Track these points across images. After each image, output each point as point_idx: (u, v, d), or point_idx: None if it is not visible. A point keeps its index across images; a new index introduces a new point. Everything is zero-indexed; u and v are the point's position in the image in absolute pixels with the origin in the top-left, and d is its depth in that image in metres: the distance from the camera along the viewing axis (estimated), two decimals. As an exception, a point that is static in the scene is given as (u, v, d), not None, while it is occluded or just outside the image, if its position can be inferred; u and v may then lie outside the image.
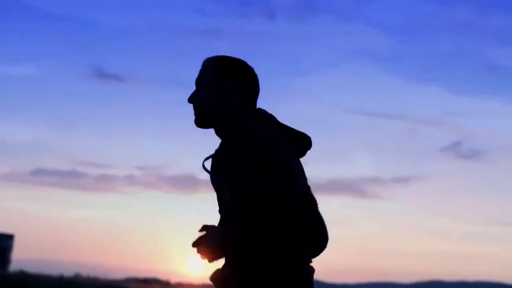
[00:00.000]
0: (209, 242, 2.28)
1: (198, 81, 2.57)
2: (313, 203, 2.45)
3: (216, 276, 2.37)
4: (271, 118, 2.47)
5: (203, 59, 2.59)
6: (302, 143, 2.50)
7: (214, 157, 2.36)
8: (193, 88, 2.58)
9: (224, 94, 2.50)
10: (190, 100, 2.56)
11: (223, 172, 2.31)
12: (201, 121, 2.54)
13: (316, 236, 2.42)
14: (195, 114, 2.55)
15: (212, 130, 2.55)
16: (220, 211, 2.42)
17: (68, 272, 25.09)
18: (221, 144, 2.38)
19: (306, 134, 2.50)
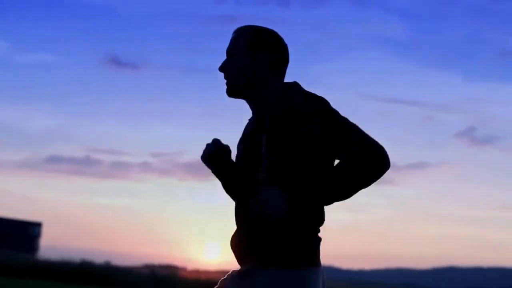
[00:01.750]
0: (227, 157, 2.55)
1: (230, 51, 2.56)
2: None
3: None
4: (307, 91, 2.50)
5: (235, 29, 2.58)
6: None
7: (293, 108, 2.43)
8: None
9: (258, 65, 2.50)
10: (222, 69, 2.55)
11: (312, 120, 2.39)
12: (234, 92, 2.55)
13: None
14: (227, 84, 2.55)
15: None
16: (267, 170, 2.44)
17: (85, 258, 25.63)
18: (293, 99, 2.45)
19: None
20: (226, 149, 2.57)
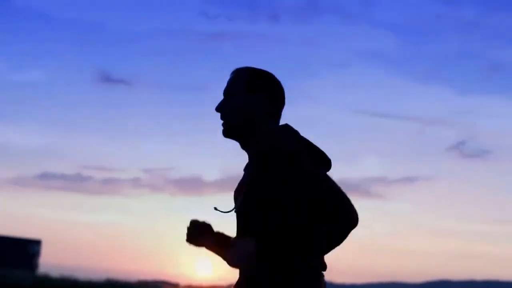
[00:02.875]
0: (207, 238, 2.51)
1: (228, 91, 2.57)
2: None
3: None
4: (298, 135, 2.50)
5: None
6: (324, 161, 2.52)
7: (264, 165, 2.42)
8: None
9: (254, 106, 2.52)
10: (219, 109, 2.57)
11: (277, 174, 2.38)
12: (230, 132, 2.55)
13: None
14: (224, 124, 2.56)
15: (226, 141, 2.61)
16: (247, 226, 2.45)
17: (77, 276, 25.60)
18: (267, 148, 2.44)
19: (326, 155, 2.52)
20: (205, 226, 2.54)
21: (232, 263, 2.41)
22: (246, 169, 2.58)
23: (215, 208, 2.54)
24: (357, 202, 2.39)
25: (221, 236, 2.53)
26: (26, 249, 38.12)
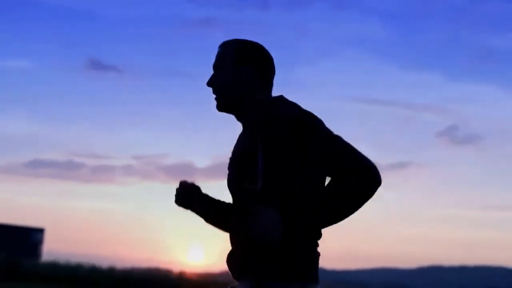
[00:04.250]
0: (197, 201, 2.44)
1: (217, 65, 2.56)
2: None
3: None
4: (295, 104, 2.48)
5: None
6: None
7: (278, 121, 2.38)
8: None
9: (245, 78, 2.50)
10: (210, 84, 2.56)
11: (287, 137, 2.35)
12: (223, 106, 2.54)
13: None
14: (217, 99, 2.55)
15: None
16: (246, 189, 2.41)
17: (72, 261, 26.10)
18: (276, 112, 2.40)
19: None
20: (193, 187, 2.48)
21: (253, 233, 2.33)
22: (241, 138, 2.55)
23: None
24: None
25: (211, 200, 2.47)
26: (29, 238, 38.74)
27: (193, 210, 2.48)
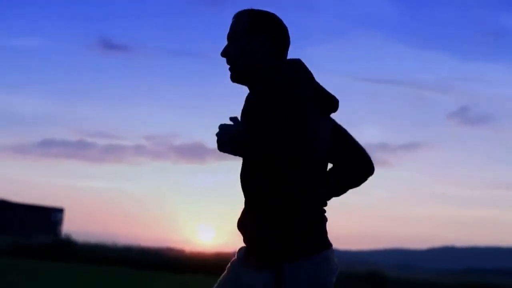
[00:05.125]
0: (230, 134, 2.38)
1: (231, 35, 2.55)
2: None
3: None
4: (306, 74, 2.46)
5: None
6: (329, 104, 2.50)
7: (248, 101, 2.39)
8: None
9: (259, 48, 2.49)
10: (224, 53, 2.54)
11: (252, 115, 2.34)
12: (237, 75, 2.52)
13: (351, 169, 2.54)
14: (231, 69, 2.53)
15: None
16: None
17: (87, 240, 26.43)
18: (254, 93, 2.41)
19: (334, 97, 2.51)
20: (232, 123, 2.44)
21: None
22: None
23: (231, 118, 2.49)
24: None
25: None
26: (49, 217, 39.08)
27: (235, 153, 2.40)
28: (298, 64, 2.47)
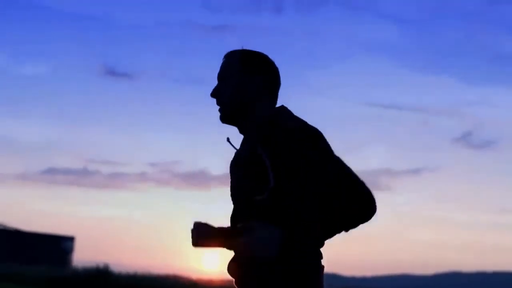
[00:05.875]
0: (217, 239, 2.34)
1: (221, 75, 2.50)
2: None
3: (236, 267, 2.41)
4: (295, 116, 2.43)
5: (219, 54, 2.53)
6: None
7: (260, 141, 2.35)
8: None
9: (251, 89, 2.45)
10: (214, 94, 2.50)
11: (271, 156, 2.31)
12: (227, 117, 2.48)
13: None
14: (221, 110, 2.49)
15: (227, 129, 2.52)
16: (240, 198, 2.42)
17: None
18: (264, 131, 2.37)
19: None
20: (207, 226, 2.38)
21: (250, 251, 2.28)
22: (241, 149, 2.51)
23: (228, 139, 2.51)
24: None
25: (225, 230, 2.39)
26: (59, 246, 38.77)
27: (211, 247, 2.40)
28: (285, 108, 2.46)
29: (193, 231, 2.37)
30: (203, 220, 2.38)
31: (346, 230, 2.38)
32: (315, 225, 2.31)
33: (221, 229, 2.36)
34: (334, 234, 2.38)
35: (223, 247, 2.37)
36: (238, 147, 2.51)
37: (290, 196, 2.30)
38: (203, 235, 2.36)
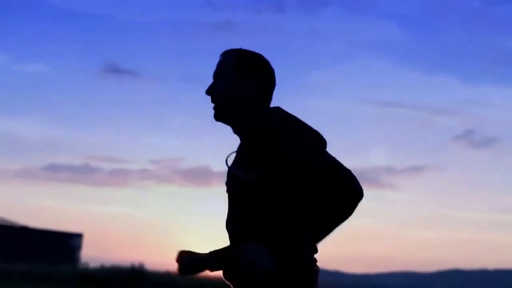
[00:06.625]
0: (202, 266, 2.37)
1: (217, 74, 2.51)
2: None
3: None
4: (292, 115, 2.40)
5: (220, 52, 2.55)
6: (324, 141, 2.40)
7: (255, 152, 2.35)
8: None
9: (246, 89, 2.46)
10: (209, 92, 2.50)
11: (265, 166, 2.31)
12: (221, 115, 2.49)
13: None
14: (215, 107, 2.50)
15: (225, 126, 2.53)
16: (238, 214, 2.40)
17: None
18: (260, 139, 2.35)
19: (321, 135, 2.39)
20: (191, 258, 2.41)
21: (245, 270, 2.31)
22: (238, 151, 2.52)
23: (226, 161, 2.52)
24: (365, 193, 2.31)
25: (208, 257, 2.40)
26: (67, 243, 39.06)
27: (196, 273, 2.45)
28: (280, 109, 2.44)
29: (177, 261, 2.40)
30: (187, 248, 2.41)
31: (338, 223, 2.29)
32: (306, 230, 2.28)
33: (204, 257, 2.38)
34: (329, 231, 2.31)
35: (210, 271, 2.40)
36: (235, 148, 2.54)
37: (278, 199, 2.30)
38: (186, 265, 2.39)
